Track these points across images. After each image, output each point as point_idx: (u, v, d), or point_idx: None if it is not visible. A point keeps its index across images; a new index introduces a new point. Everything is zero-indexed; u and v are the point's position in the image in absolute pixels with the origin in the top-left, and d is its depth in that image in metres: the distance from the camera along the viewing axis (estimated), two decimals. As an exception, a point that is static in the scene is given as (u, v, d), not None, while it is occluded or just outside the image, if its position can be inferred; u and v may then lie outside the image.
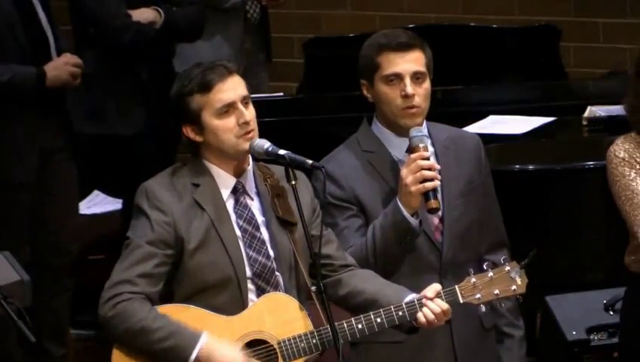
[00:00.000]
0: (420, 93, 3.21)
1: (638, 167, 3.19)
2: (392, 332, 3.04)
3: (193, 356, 2.76)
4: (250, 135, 2.90)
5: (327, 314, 2.84)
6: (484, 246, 3.29)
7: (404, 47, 3.23)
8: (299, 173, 3.01)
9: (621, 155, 3.20)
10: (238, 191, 2.95)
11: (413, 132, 3.21)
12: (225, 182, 2.95)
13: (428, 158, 3.14)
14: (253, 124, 2.92)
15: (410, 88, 3.18)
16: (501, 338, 3.44)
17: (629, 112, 3.30)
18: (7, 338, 4.35)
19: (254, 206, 2.97)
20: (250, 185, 2.98)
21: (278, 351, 2.82)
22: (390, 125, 3.27)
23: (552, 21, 6.34)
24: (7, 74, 4.50)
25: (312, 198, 3.04)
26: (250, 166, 2.99)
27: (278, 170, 3.03)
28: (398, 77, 3.20)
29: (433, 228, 3.26)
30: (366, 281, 3.03)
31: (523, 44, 6.11)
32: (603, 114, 4.74)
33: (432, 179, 3.11)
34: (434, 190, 3.14)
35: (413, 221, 3.13)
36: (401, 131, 3.26)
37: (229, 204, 2.94)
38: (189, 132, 2.92)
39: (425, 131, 3.22)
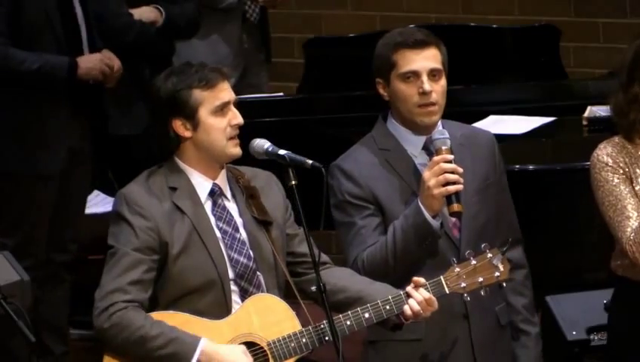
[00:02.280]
0: (437, 90, 3.22)
1: (621, 171, 3.16)
2: (411, 329, 3.07)
3: (194, 360, 2.77)
4: (236, 139, 2.92)
5: (327, 313, 2.85)
6: (499, 242, 3.29)
7: (420, 45, 3.24)
8: (268, 173, 3.05)
9: (604, 160, 3.17)
10: (215, 194, 2.96)
11: (436, 134, 3.22)
12: (202, 184, 2.96)
13: (451, 161, 3.14)
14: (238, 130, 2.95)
15: (427, 85, 3.19)
16: (517, 334, 3.44)
17: (617, 115, 3.25)
18: (10, 337, 4.35)
19: (232, 207, 2.98)
20: (226, 187, 2.99)
21: (268, 352, 2.83)
22: (406, 123, 3.27)
23: (552, 21, 6.33)
24: (38, 62, 4.55)
25: (284, 197, 3.04)
26: (224, 168, 3.00)
27: (247, 171, 3.05)
28: (415, 74, 3.21)
29: (451, 224, 3.26)
30: (346, 279, 3.05)
31: (523, 44, 6.11)
32: (603, 114, 4.73)
33: (454, 183, 3.11)
34: (456, 193, 3.13)
35: (435, 223, 3.13)
36: (418, 129, 3.27)
37: (207, 207, 2.95)
38: (178, 126, 2.92)
39: (447, 134, 3.22)
